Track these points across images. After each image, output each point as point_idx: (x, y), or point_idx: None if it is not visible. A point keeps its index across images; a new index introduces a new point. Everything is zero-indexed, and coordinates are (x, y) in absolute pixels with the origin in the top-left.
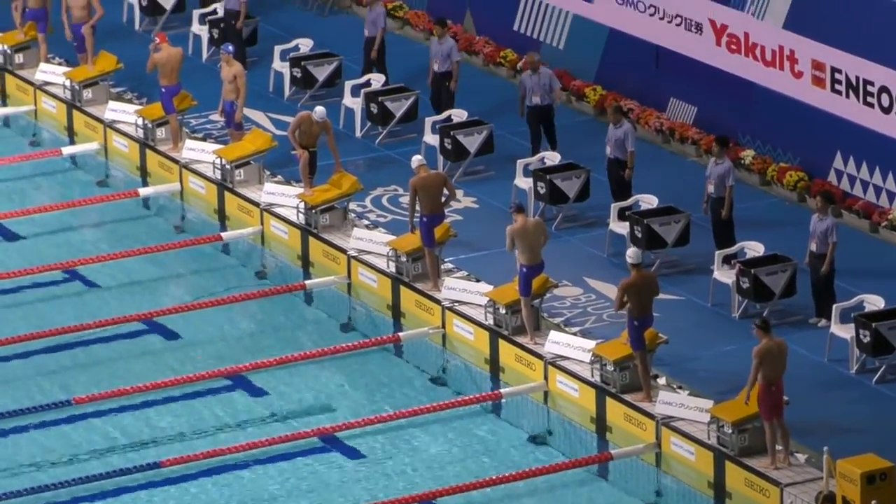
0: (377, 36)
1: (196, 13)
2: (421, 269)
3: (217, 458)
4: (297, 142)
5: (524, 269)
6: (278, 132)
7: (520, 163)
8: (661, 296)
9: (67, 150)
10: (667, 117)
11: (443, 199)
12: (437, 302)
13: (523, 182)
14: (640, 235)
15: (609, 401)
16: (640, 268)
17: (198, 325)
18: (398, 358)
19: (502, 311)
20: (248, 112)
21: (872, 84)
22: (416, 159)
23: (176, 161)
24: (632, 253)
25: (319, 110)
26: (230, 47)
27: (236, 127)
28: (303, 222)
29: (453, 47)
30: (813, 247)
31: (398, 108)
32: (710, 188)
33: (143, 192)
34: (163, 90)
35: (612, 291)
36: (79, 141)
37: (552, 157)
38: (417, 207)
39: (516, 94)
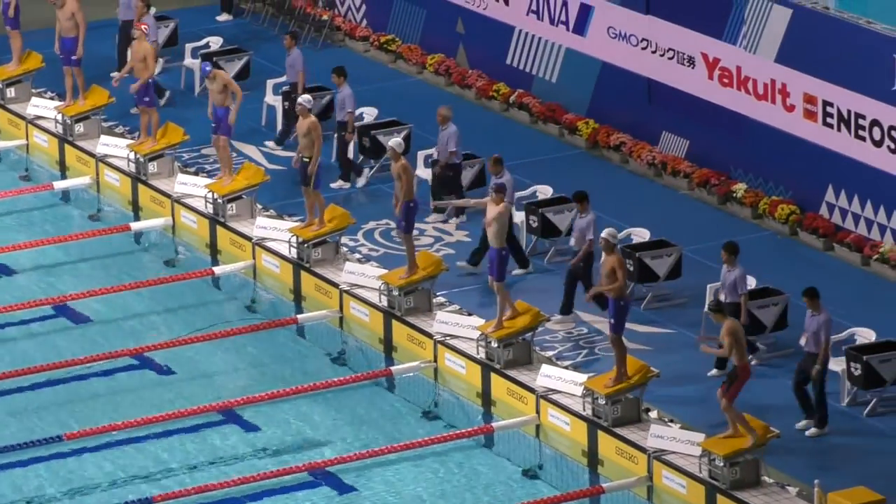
0: (299, 80)
1: (189, 46)
2: (413, 303)
3: (209, 493)
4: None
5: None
6: (271, 166)
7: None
8: (653, 329)
9: (59, 185)
10: (659, 150)
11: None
12: (430, 336)
13: (516, 216)
14: (632, 269)
15: (601, 434)
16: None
17: (189, 360)
18: (390, 392)
19: (494, 344)
20: (240, 146)
21: (864, 117)
22: (396, 142)
23: (168, 196)
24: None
25: (304, 97)
26: (207, 67)
27: (225, 131)
28: (295, 256)
29: (347, 97)
30: (722, 297)
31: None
32: (572, 242)
33: (134, 226)
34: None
35: (603, 324)
36: (71, 175)
37: (544, 191)
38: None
39: (509, 127)
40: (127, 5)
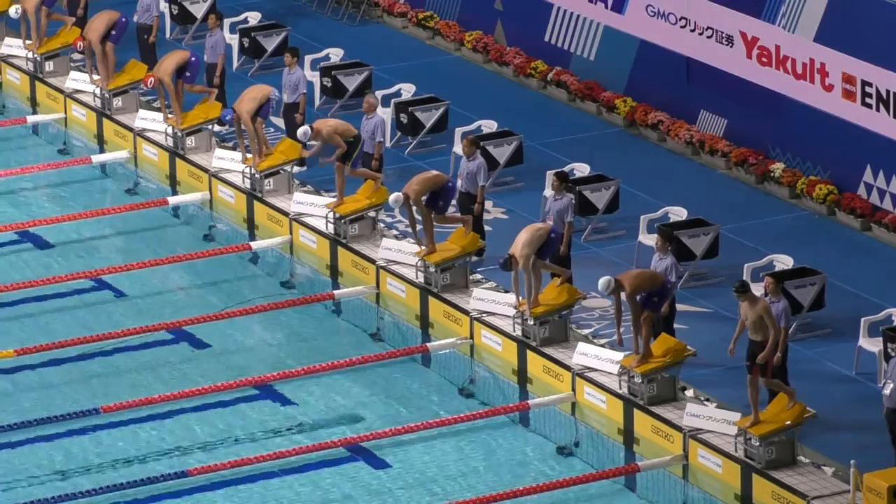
0: (218, 62)
1: (227, 22)
2: (450, 279)
3: (244, 468)
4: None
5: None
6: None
7: (549, 174)
8: (689, 308)
9: (97, 159)
10: (697, 129)
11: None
12: (466, 313)
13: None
14: (669, 248)
15: (637, 412)
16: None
17: (226, 335)
18: (426, 368)
19: (530, 321)
20: (277, 121)
21: None
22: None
23: (206, 170)
24: (603, 283)
25: (302, 130)
26: (227, 116)
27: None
28: (332, 232)
29: (301, 79)
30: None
31: (428, 118)
32: (549, 223)
33: (172, 200)
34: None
35: None
36: (108, 149)
37: (582, 169)
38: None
39: (547, 105)
40: (145, 9)
